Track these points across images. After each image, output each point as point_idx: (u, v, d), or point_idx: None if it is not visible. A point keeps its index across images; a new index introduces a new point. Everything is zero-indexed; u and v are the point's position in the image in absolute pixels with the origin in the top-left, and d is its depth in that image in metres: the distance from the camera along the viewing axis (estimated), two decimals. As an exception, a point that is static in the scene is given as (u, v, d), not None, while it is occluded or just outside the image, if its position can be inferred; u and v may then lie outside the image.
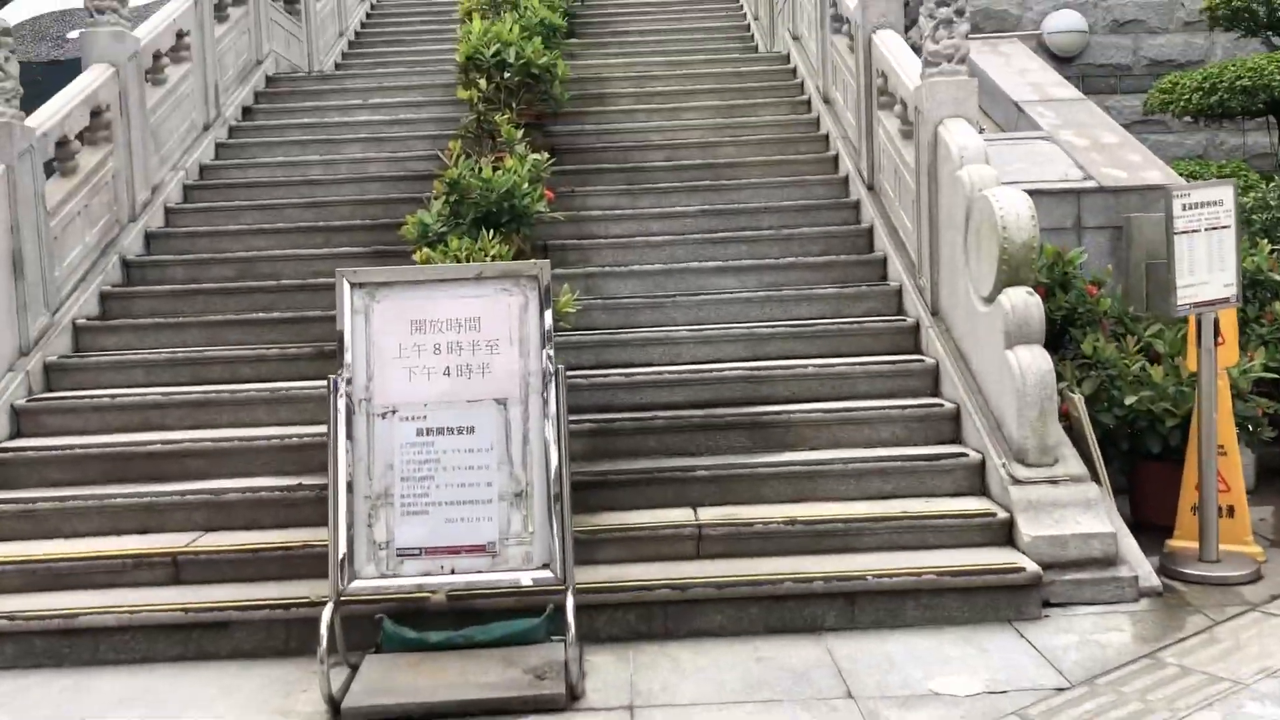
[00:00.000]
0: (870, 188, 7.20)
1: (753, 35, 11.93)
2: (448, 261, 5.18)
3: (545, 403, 3.89)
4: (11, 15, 12.69)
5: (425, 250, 5.47)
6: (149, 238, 7.18)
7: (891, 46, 6.85)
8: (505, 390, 3.91)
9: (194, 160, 8.07)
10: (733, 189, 7.60)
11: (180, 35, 8.06)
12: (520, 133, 6.68)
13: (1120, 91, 10.68)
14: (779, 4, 10.86)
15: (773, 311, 6.35)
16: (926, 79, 5.91)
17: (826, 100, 8.44)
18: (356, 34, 12.80)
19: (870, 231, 7.00)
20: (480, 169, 5.77)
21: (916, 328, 6.05)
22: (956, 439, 5.35)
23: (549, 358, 3.95)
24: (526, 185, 5.92)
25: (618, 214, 7.35)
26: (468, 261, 5.15)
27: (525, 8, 8.49)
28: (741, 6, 13.02)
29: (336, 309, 3.95)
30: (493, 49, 7.54)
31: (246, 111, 9.13)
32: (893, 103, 6.72)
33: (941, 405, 5.44)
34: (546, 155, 6.64)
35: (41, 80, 8.51)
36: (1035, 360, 4.87)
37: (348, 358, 3.90)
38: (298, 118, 9.01)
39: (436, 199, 5.86)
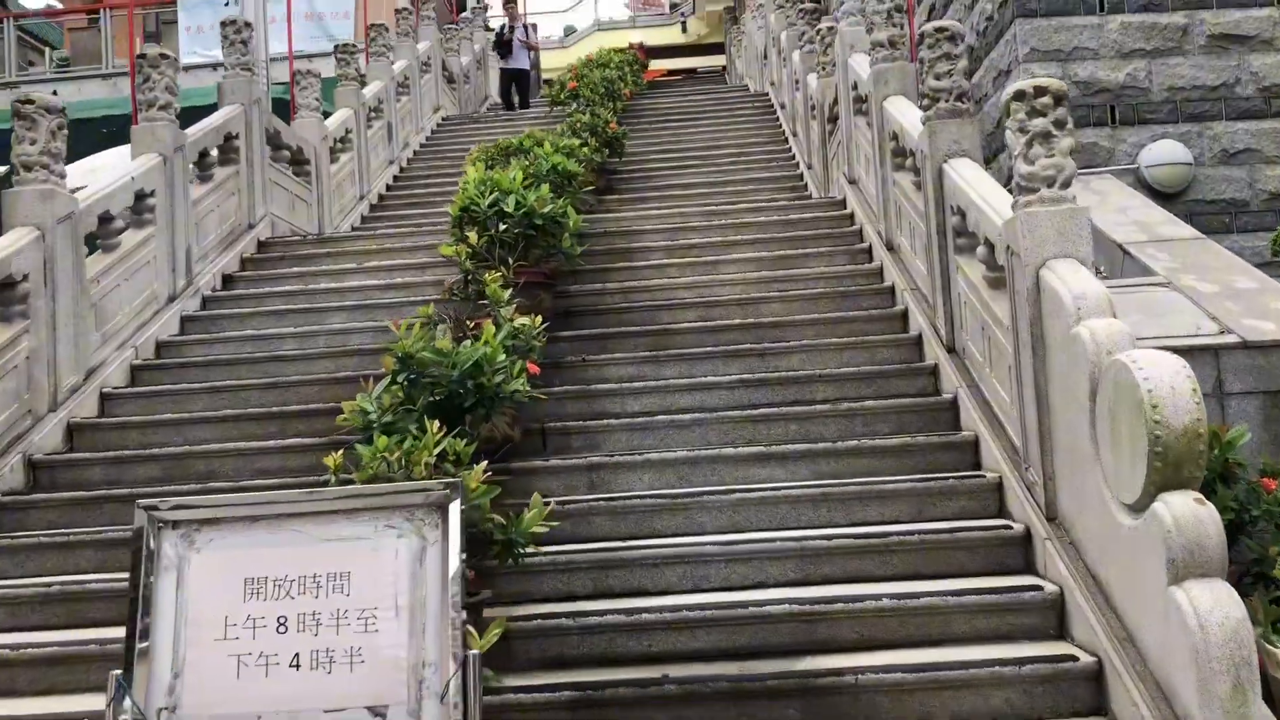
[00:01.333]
0: (951, 349, 5.74)
1: (805, 184, 10.79)
2: (376, 464, 3.80)
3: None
4: None
5: (362, 448, 4.10)
6: (71, 431, 5.96)
7: (969, 176, 5.51)
8: (384, 693, 2.43)
9: (149, 336, 6.95)
10: (779, 353, 6.21)
11: (142, 196, 7.08)
12: (508, 292, 5.41)
13: (1236, 230, 9.18)
14: (832, 148, 9.71)
15: (830, 514, 4.83)
16: (1022, 210, 4.51)
17: (890, 247, 7.10)
18: (380, 196, 11.98)
19: (954, 405, 5.50)
20: (435, 340, 4.45)
21: (1027, 537, 4.46)
22: (1101, 711, 3.69)
23: (458, 636, 2.48)
24: (503, 358, 4.58)
25: (637, 386, 5.97)
26: (401, 465, 3.76)
27: (536, 156, 7.40)
28: (794, 156, 11.96)
29: (131, 566, 2.55)
30: (490, 198, 6.38)
31: (227, 280, 8.08)
32: (975, 244, 5.34)
33: (1075, 659, 3.79)
34: (539, 319, 5.34)
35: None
36: (1219, 604, 3.26)
37: (142, 644, 2.47)
38: (281, 285, 7.92)
39: (385, 379, 4.54)
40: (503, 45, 16.30)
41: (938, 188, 5.81)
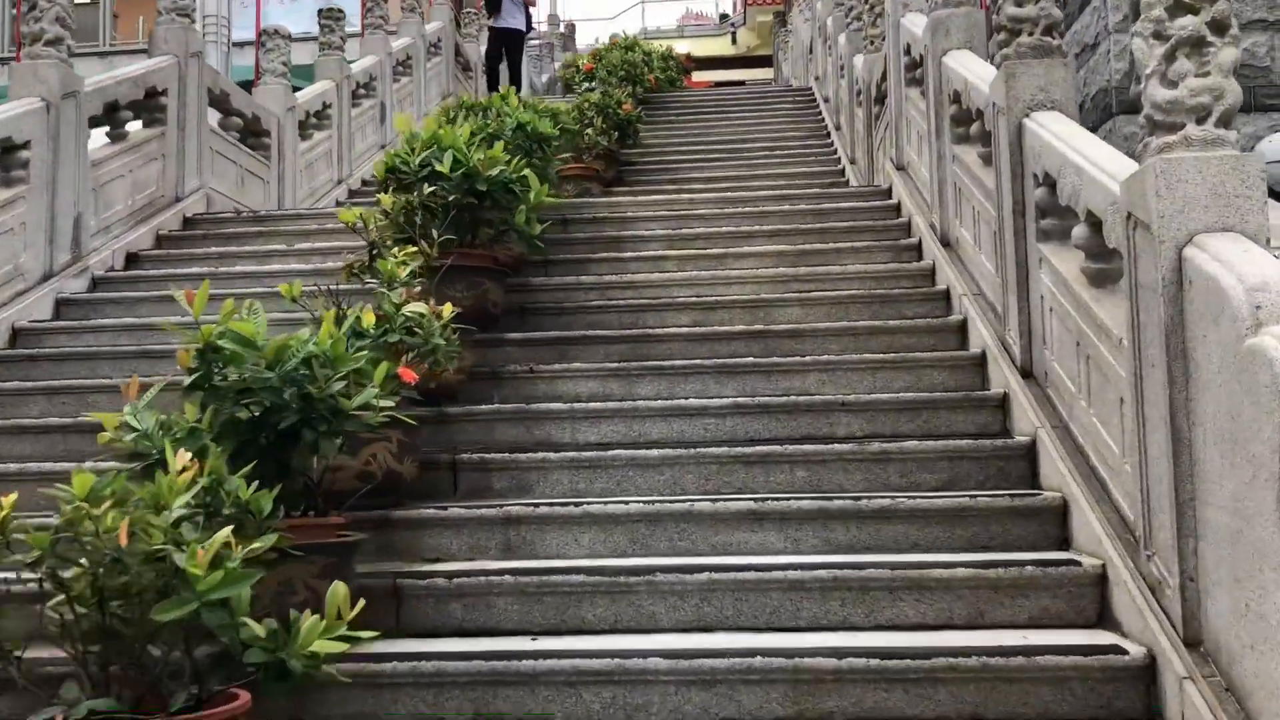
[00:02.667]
0: (1027, 373, 4.15)
1: (846, 180, 9.23)
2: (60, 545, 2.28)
3: None
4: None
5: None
6: None
7: (1061, 132, 3.92)
8: None
9: (3, 322, 5.54)
10: (791, 371, 4.64)
11: (11, 148, 5.70)
12: (407, 270, 3.90)
13: (1375, 244, 7.46)
14: (879, 133, 8.13)
15: (845, 611, 3.24)
16: (1156, 158, 2.91)
17: (946, 242, 5.52)
18: (364, 182, 10.54)
19: (1030, 451, 3.90)
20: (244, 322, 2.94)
21: (1150, 670, 2.84)
22: None
23: None
24: (361, 363, 3.06)
25: (596, 408, 4.44)
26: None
27: (501, 113, 5.91)
28: (835, 151, 10.40)
29: None
30: (421, 155, 4.90)
31: (131, 259, 6.66)
32: (1068, 226, 3.76)
33: None
34: (449, 308, 3.84)
35: None
36: None
37: None
38: (192, 267, 6.48)
39: (185, 387, 3.03)
40: (492, 1, 13.11)
41: (1015, 152, 4.23)
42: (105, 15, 16.19)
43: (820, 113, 12.28)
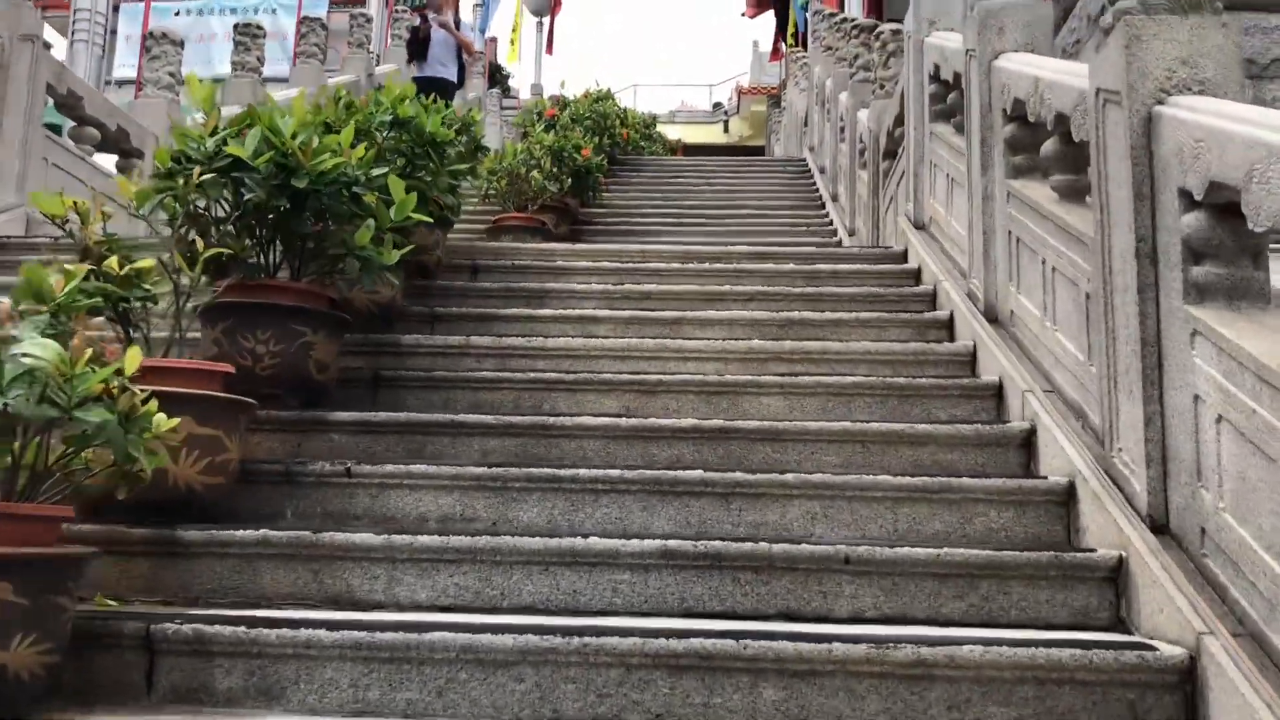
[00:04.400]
0: (1161, 528, 2.42)
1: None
2: None
3: None
4: None
5: None
6: None
7: (1230, 112, 2.27)
8: None
9: None
10: (764, 497, 2.90)
11: None
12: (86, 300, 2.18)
13: None
14: (888, 192, 6.57)
15: None
16: None
17: (994, 317, 3.85)
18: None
19: (1189, 680, 2.15)
20: None
21: None
22: None
23: None
24: None
25: (434, 547, 2.64)
26: None
27: (382, 103, 4.24)
28: (830, 222, 8.85)
29: None
30: (219, 137, 3.22)
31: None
32: (1242, 277, 2.08)
33: None
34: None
35: None
36: None
37: None
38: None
39: None
40: (417, 43, 9.89)
41: (1141, 160, 2.57)
42: None
43: (814, 183, 10.77)
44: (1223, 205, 2.29)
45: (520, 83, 30.60)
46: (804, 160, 12.43)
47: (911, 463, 3.19)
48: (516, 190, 7.71)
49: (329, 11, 14.85)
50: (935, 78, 5.21)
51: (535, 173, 7.53)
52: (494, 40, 32.66)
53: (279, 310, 3.27)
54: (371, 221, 3.29)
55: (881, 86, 7.26)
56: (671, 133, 29.11)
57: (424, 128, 4.09)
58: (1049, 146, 3.45)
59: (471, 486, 2.96)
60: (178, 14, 15.18)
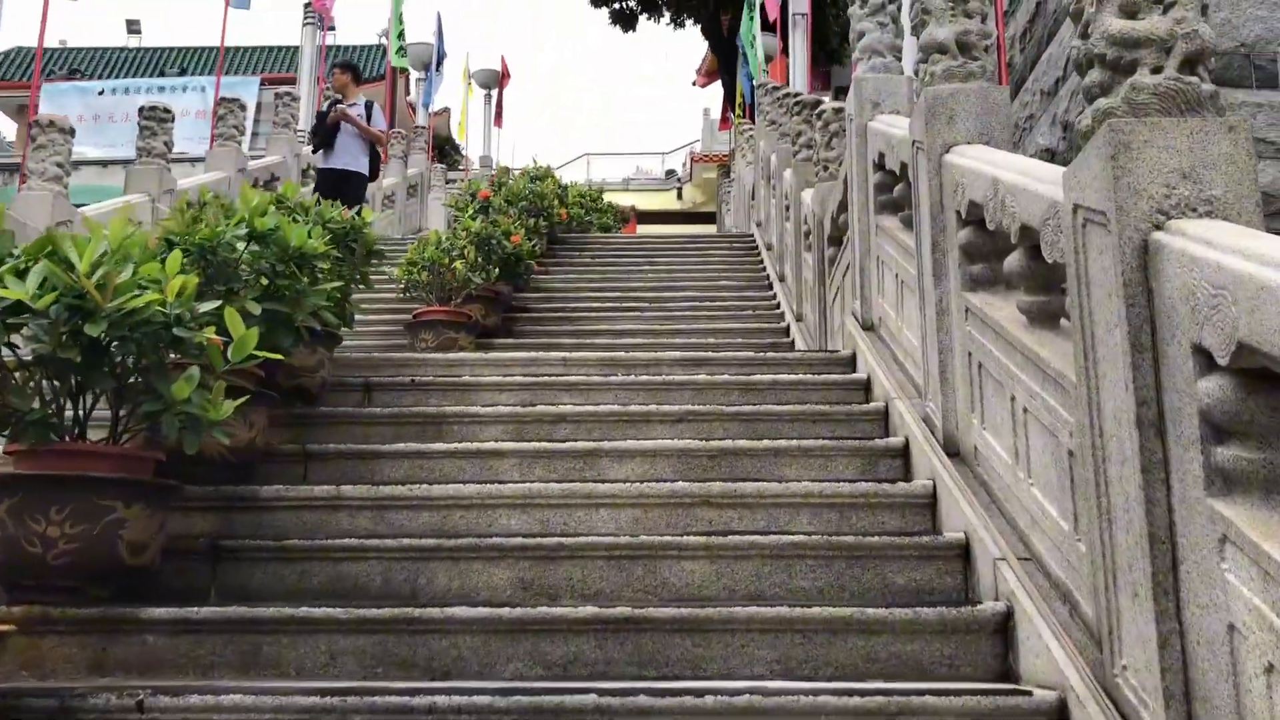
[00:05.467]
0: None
1: (791, 341, 7.15)
2: None
3: None
4: None
5: None
6: None
7: (1262, 253, 1.73)
8: None
9: None
10: (680, 717, 2.27)
11: None
12: None
13: None
14: (834, 281, 6.07)
15: None
16: None
17: (955, 450, 3.28)
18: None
19: None
20: None
21: None
22: None
23: None
24: None
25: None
26: None
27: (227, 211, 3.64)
28: (778, 306, 8.34)
29: None
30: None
31: None
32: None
33: None
34: None
35: None
36: None
37: None
38: None
39: None
40: (324, 131, 8.69)
41: (1140, 300, 2.03)
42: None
43: (762, 262, 10.30)
44: (1256, 371, 1.74)
45: (473, 154, 30.27)
46: (751, 236, 11.98)
47: (864, 656, 2.59)
48: (439, 282, 7.12)
49: (260, 88, 14.30)
50: (880, 166, 4.72)
51: (458, 264, 6.95)
52: (446, 111, 32.42)
53: (81, 482, 2.63)
54: (196, 370, 2.67)
55: (825, 168, 6.78)
56: (625, 200, 28.84)
57: (288, 241, 3.48)
58: (1014, 261, 2.91)
59: (304, 712, 2.30)
60: (101, 93, 14.56)
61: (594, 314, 8.12)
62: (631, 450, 3.76)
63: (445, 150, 30.35)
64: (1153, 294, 2.02)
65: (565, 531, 3.25)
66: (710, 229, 26.57)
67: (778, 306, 8.33)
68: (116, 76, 21.40)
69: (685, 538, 3.03)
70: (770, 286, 9.15)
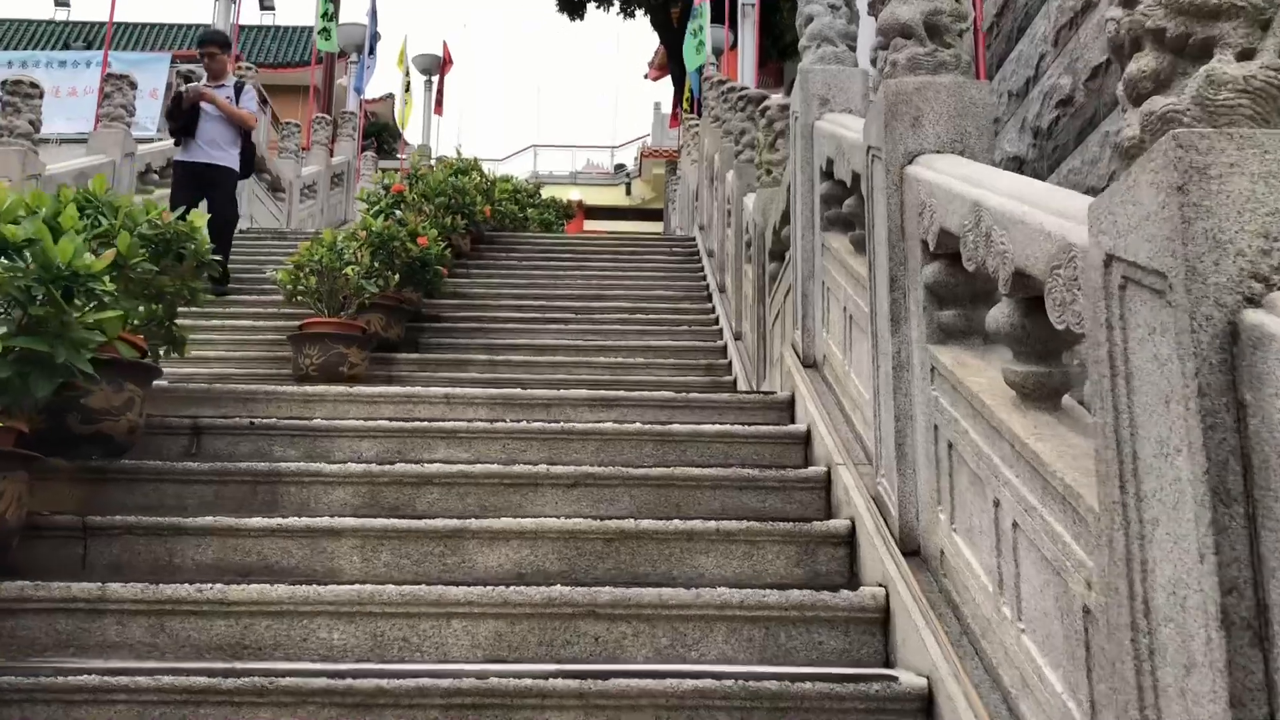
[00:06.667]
0: None
1: (728, 363, 6.42)
2: None
3: None
4: None
5: None
6: None
7: None
8: None
9: None
10: None
11: None
12: None
13: None
14: (774, 301, 5.32)
15: None
16: None
17: (914, 550, 2.52)
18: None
19: None
20: None
21: None
22: None
23: None
24: None
25: None
26: None
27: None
28: (717, 320, 7.58)
29: None
30: None
31: None
32: None
33: None
34: None
35: None
36: None
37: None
38: None
39: None
40: (180, 116, 7.34)
41: (1224, 410, 1.26)
42: None
43: (703, 269, 9.53)
44: None
45: (413, 143, 29.16)
46: (694, 240, 11.21)
47: None
48: (331, 289, 6.24)
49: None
50: (829, 174, 3.95)
51: (349, 269, 6.08)
52: (389, 98, 31.22)
53: None
54: None
55: (768, 171, 6.01)
56: (572, 194, 27.93)
57: (51, 258, 2.63)
58: (1002, 316, 2.14)
59: None
60: (-6, 65, 13.48)
61: (513, 326, 7.31)
62: (507, 531, 2.95)
63: (383, 139, 29.24)
64: (1245, 411, 1.26)
65: (401, 654, 2.44)
66: (658, 227, 25.83)
67: (716, 322, 7.57)
68: (37, 49, 20.16)
69: (552, 682, 2.23)
70: (709, 298, 8.38)
